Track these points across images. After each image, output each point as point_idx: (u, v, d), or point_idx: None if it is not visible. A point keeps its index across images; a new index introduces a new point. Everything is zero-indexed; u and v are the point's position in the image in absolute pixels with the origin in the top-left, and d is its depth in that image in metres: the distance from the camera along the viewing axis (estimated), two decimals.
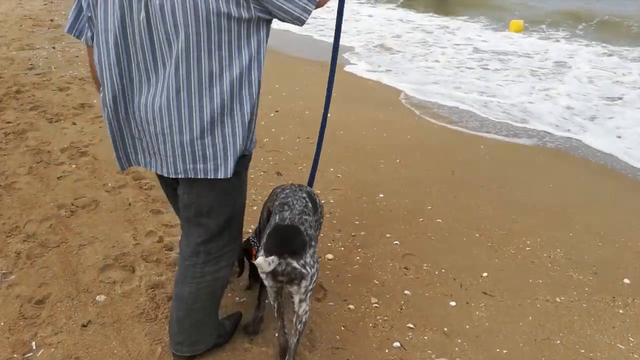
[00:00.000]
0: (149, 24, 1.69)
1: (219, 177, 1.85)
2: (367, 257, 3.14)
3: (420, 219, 3.61)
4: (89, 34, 1.85)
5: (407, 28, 11.99)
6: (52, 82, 6.27)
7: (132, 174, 3.97)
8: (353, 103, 6.18)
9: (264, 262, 1.76)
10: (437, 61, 8.84)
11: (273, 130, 5.16)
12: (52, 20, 10.85)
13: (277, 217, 2.03)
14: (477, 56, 9.22)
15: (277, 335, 2.24)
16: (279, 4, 1.67)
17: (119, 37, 1.73)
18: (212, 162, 1.83)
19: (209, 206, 1.97)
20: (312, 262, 1.90)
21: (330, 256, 3.12)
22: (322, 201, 3.60)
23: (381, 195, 3.91)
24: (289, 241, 1.88)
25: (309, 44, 10.08)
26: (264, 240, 1.96)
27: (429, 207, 3.78)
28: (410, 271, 3.04)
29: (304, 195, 2.19)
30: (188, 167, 1.83)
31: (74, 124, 4.97)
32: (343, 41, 8.23)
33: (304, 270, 1.86)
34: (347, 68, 8.12)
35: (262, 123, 5.35)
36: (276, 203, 2.15)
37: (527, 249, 3.33)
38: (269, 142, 4.84)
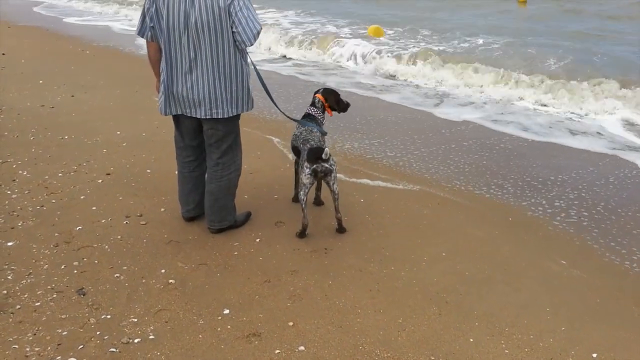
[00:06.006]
0: (188, 37, 3.11)
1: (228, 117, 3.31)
2: None
3: None
4: (149, 34, 3.20)
5: None
6: None
7: None
8: None
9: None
10: None
11: (94, 208, 3.92)
12: None
13: (308, 145, 3.51)
14: None
15: (302, 217, 3.54)
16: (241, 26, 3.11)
17: (170, 43, 3.17)
18: (224, 110, 3.26)
19: (223, 135, 3.37)
20: (334, 163, 3.46)
21: None
22: None
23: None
24: (320, 154, 3.37)
25: None
26: (305, 157, 3.45)
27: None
28: None
29: (318, 133, 3.68)
30: (214, 112, 3.25)
31: None
32: None
33: (331, 168, 3.44)
34: None
35: (82, 198, 4.08)
36: (300, 141, 3.65)
37: None
38: (82, 230, 3.60)
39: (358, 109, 7.09)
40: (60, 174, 4.47)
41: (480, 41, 11.65)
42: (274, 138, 5.71)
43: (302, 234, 3.59)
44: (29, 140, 5.25)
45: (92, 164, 4.72)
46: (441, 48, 10.52)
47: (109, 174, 4.51)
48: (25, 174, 4.44)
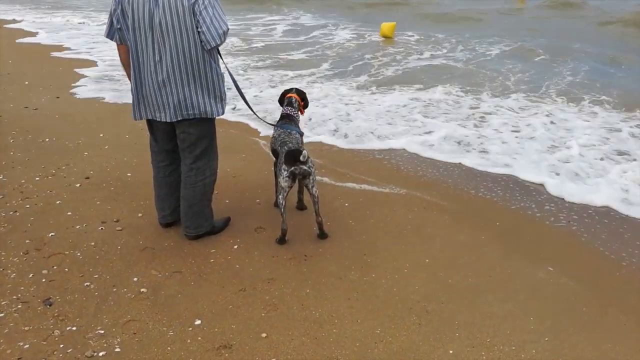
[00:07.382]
0: (153, 38, 2.99)
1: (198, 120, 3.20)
2: None
3: None
4: (117, 36, 3.07)
5: None
6: None
7: None
8: None
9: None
10: None
11: (69, 213, 3.81)
12: None
13: (286, 147, 3.43)
14: None
15: (281, 222, 3.44)
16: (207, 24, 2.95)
17: (137, 44, 3.04)
18: (191, 113, 3.14)
19: (196, 139, 3.24)
20: (312, 165, 3.35)
21: None
22: None
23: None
24: (298, 156, 3.25)
25: None
26: (283, 159, 3.34)
27: None
28: None
29: (297, 135, 3.63)
30: (184, 113, 3.13)
31: None
32: None
33: (309, 170, 3.33)
34: None
35: (58, 203, 3.97)
36: (278, 143, 3.57)
37: None
38: (54, 237, 3.50)
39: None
40: (37, 178, 4.36)
41: (482, 50, 11.53)
42: (260, 140, 5.60)
43: (281, 240, 3.49)
44: (8, 142, 5.14)
45: (71, 167, 4.62)
46: (444, 62, 10.36)
47: (88, 178, 4.40)
48: (1, 177, 4.33)
